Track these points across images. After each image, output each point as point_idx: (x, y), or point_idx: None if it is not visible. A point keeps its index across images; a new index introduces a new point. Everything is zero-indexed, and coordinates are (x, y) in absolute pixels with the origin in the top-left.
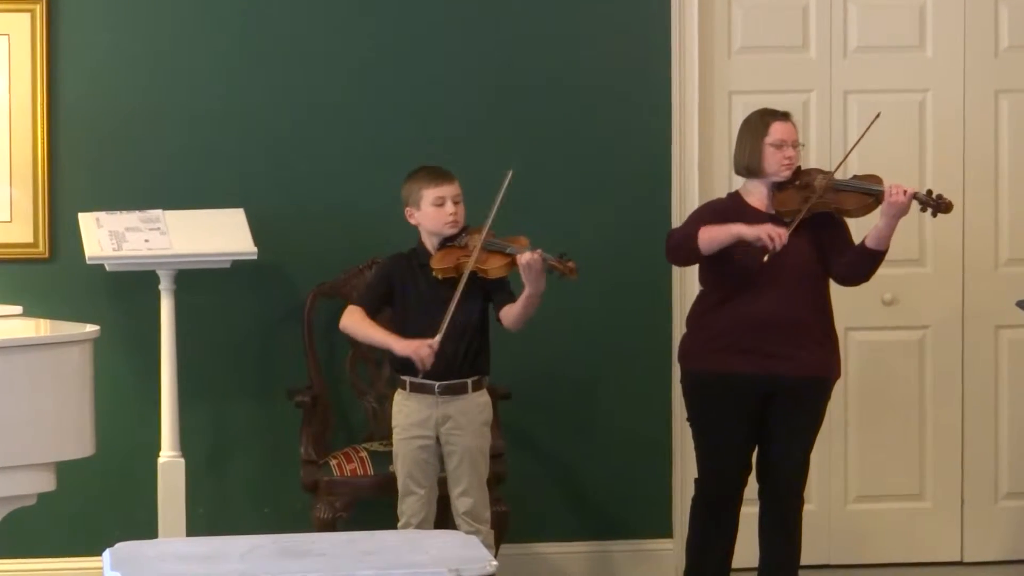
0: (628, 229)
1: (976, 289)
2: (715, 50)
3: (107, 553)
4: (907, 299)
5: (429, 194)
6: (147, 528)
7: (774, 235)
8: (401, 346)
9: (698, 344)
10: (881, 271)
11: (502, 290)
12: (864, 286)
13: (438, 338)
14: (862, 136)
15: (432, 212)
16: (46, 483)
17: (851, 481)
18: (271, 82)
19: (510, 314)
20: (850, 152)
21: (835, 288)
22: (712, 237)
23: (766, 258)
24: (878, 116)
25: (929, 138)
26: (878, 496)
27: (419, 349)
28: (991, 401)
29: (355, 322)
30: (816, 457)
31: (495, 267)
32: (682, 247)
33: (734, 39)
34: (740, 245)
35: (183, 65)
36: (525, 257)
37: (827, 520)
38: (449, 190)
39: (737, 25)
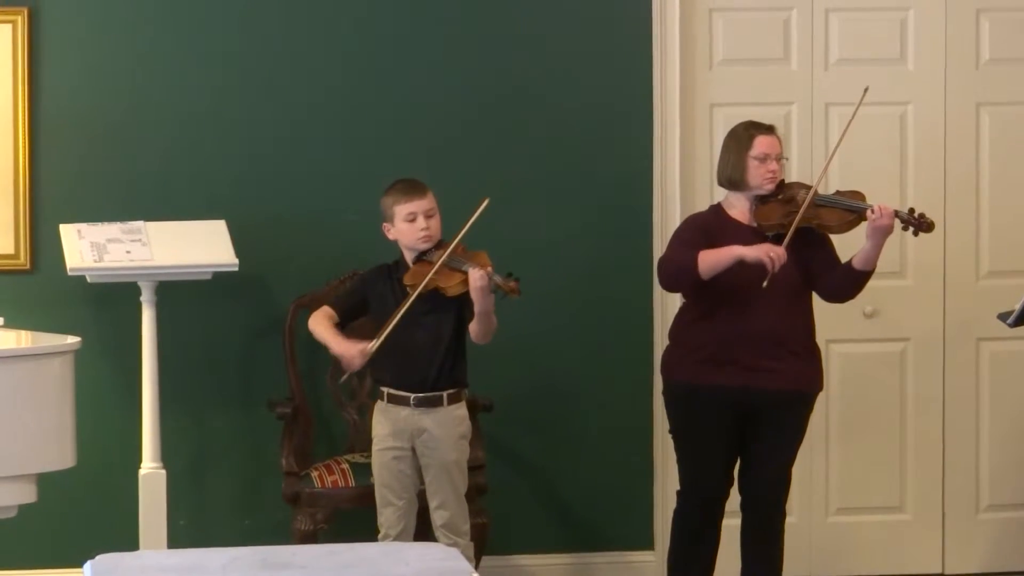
0: (609, 241)
1: (957, 302)
2: (696, 62)
3: (88, 565)
4: (888, 312)
5: (401, 210)
6: (128, 540)
7: (774, 256)
8: (337, 345)
9: (681, 356)
10: None
11: (470, 306)
12: None
13: (373, 344)
14: (826, 165)
15: (405, 227)
16: (27, 495)
17: (832, 493)
18: (253, 94)
19: (472, 330)
20: (838, 146)
21: (816, 300)
22: (712, 263)
23: (765, 283)
24: (867, 90)
25: (910, 151)
26: (859, 508)
27: (348, 350)
28: (972, 414)
29: (315, 320)
30: (798, 469)
31: (452, 284)
32: (682, 275)
33: (715, 51)
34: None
35: (165, 76)
36: (472, 274)
37: (808, 532)
38: (421, 205)
39: (718, 37)
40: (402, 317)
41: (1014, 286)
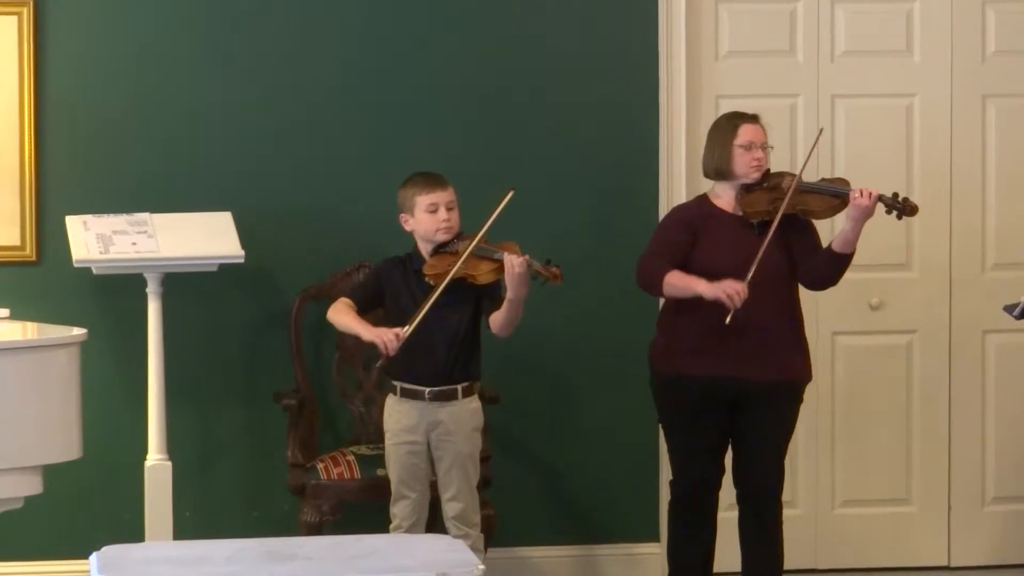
0: (615, 233)
1: (963, 294)
2: (702, 54)
3: (94, 556)
4: (894, 304)
5: (422, 201)
6: (134, 531)
7: (732, 293)
8: (368, 332)
9: (667, 346)
10: (868, 275)
11: (491, 297)
12: (851, 291)
13: (407, 329)
14: (814, 146)
15: (425, 219)
16: (33, 486)
17: (838, 485)
18: (259, 85)
19: (496, 320)
20: (810, 155)
21: (823, 292)
22: (675, 289)
23: (728, 319)
24: (821, 132)
25: (916, 143)
26: (865, 501)
27: (384, 334)
28: (978, 406)
29: (336, 310)
30: (803, 462)
31: (483, 272)
32: (650, 288)
33: (721, 43)
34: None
35: (170, 68)
36: (510, 260)
37: (814, 525)
38: (442, 196)
39: (724, 29)
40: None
41: (1020, 278)
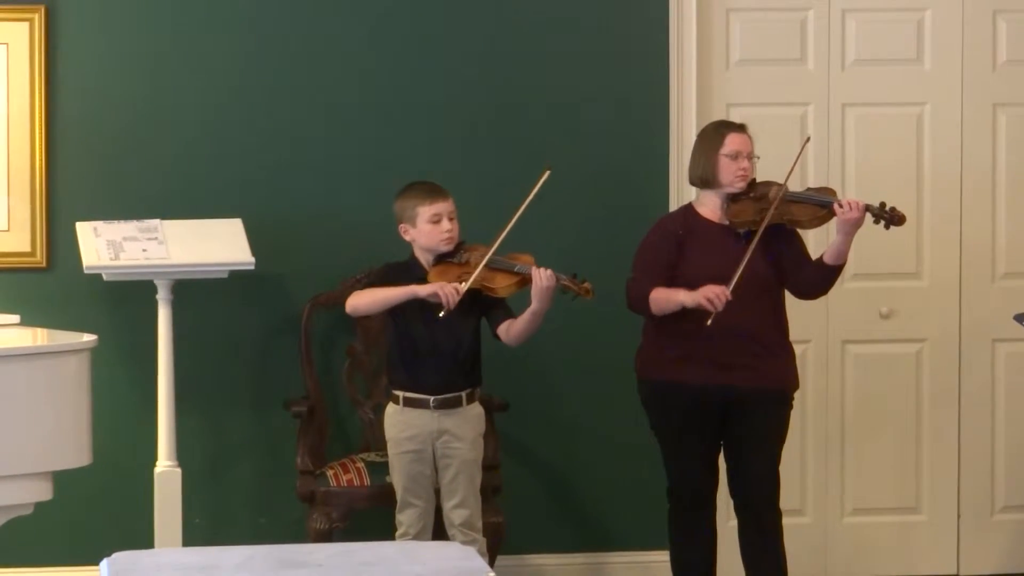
0: (625, 241)
1: (973, 303)
2: (713, 62)
3: (104, 563)
4: (904, 312)
5: (425, 211)
6: (143, 538)
7: (712, 296)
8: (423, 288)
9: (653, 354)
10: (878, 284)
11: (499, 306)
12: (862, 299)
13: (465, 284)
14: (800, 153)
15: (428, 229)
16: (43, 492)
17: (848, 494)
18: (269, 93)
19: (512, 331)
20: (794, 166)
21: (834, 300)
22: (662, 306)
23: (710, 321)
24: (808, 140)
25: (927, 152)
26: (875, 509)
27: (444, 287)
28: (987, 415)
29: (367, 292)
30: (812, 470)
31: (503, 285)
32: (639, 308)
33: (732, 51)
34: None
35: (181, 75)
36: (539, 274)
37: (823, 533)
38: (445, 207)
39: (735, 37)
40: (423, 319)
41: None
